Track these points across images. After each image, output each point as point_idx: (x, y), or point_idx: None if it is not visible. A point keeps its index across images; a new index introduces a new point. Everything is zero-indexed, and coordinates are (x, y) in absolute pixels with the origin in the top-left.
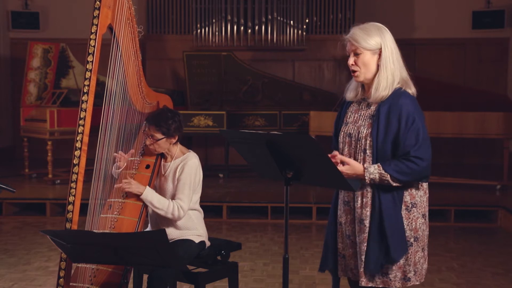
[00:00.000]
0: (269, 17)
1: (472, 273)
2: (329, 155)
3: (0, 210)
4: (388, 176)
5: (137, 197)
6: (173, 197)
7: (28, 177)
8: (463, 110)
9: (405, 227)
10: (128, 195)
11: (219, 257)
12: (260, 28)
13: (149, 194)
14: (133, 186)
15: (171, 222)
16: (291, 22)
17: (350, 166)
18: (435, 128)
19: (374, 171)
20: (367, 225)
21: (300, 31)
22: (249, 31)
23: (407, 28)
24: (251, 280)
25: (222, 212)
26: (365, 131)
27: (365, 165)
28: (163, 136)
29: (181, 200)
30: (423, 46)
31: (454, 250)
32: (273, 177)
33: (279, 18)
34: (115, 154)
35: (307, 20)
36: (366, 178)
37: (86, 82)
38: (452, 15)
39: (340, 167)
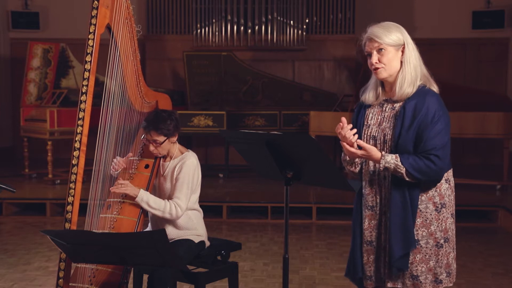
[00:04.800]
0: (269, 17)
1: (472, 273)
2: (346, 129)
3: (0, 210)
4: (404, 169)
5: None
6: (171, 197)
7: (28, 177)
8: (463, 110)
9: (435, 228)
10: (127, 195)
11: (219, 257)
12: (260, 28)
13: (144, 196)
14: (129, 188)
15: (170, 222)
16: (291, 22)
17: (366, 151)
18: None
19: (391, 160)
20: None
21: (300, 31)
22: (249, 31)
23: (407, 28)
24: (251, 280)
25: (222, 212)
26: (391, 133)
27: (383, 152)
28: (165, 138)
29: (179, 198)
30: (423, 46)
31: None
32: (273, 177)
33: (279, 18)
34: (114, 160)
35: (307, 20)
36: (381, 165)
37: (85, 82)
38: (452, 15)
39: (356, 150)
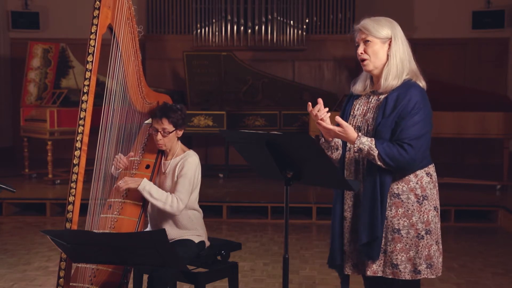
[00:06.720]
0: (269, 17)
1: (472, 273)
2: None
3: (0, 210)
4: (376, 153)
5: (137, 196)
6: (172, 193)
7: (28, 177)
8: (463, 110)
9: (416, 219)
10: (128, 195)
11: (219, 257)
12: (260, 28)
13: (147, 185)
14: (129, 181)
15: (170, 222)
16: (291, 22)
17: (343, 129)
18: (435, 128)
19: (365, 142)
20: None
21: (300, 31)
22: (249, 31)
23: (407, 28)
24: (251, 280)
25: (222, 212)
26: (374, 123)
27: (359, 133)
28: (174, 128)
29: (181, 193)
30: (423, 46)
31: (454, 250)
32: (273, 177)
33: (279, 18)
34: (116, 156)
35: (307, 20)
36: (355, 146)
37: (86, 82)
38: (452, 15)
39: (333, 127)
